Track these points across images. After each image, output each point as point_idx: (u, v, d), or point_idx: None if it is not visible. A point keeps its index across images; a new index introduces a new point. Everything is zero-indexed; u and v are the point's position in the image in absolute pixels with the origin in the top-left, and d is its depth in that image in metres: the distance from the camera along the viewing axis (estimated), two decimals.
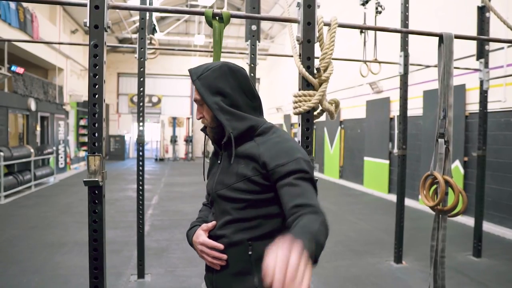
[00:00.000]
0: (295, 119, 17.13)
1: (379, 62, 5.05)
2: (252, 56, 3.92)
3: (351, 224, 6.52)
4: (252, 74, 3.92)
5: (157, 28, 4.60)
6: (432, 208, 2.46)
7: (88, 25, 1.90)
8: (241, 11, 18.07)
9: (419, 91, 8.14)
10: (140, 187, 3.91)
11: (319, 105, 2.16)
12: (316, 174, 14.34)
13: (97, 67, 1.93)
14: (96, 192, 1.93)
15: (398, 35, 4.91)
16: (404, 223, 4.49)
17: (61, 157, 13.11)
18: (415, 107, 8.37)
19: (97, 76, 1.94)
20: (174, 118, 21.40)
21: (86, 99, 16.41)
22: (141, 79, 3.74)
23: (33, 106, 10.68)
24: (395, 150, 9.17)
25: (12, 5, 9.47)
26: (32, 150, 9.62)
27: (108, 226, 6.19)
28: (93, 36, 1.92)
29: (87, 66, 14.72)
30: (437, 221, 2.50)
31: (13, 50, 10.26)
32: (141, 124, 3.81)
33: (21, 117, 10.74)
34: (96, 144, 1.93)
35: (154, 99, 21.53)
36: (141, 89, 3.78)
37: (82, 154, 16.17)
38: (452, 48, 2.39)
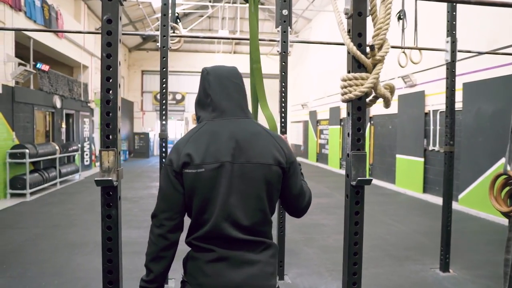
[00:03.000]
0: (321, 115, 16.75)
1: (421, 49, 4.58)
2: (284, 43, 3.59)
3: (386, 226, 6.09)
4: (284, 63, 3.58)
5: (179, 18, 4.32)
6: (505, 214, 2.05)
7: None
8: (267, 4, 17.74)
9: (458, 83, 7.58)
10: None
11: (373, 90, 1.80)
12: (343, 172, 13.81)
13: (111, 46, 1.64)
14: (111, 193, 1.64)
15: (440, 19, 4.46)
16: (451, 227, 4.06)
17: (86, 154, 13.12)
18: None
19: (111, 57, 1.65)
20: None
21: None
22: (164, 69, 3.46)
23: (58, 104, 10.67)
24: (432, 147, 8.63)
25: (38, 2, 9.44)
26: (57, 147, 9.58)
27: (131, 226, 6.00)
28: (106, 9, 1.63)
29: None
30: None
31: (38, 48, 10.25)
32: (163, 117, 3.54)
33: (47, 115, 10.75)
34: (111, 137, 1.64)
35: (178, 97, 21.46)
36: (164, 79, 3.51)
37: None
38: None
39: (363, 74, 1.74)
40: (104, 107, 1.62)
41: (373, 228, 5.94)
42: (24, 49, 9.53)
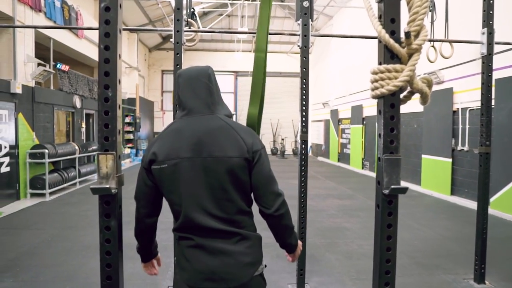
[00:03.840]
0: (343, 114, 16.37)
1: (452, 42, 4.24)
2: (305, 36, 3.35)
3: (413, 231, 5.77)
4: (305, 58, 3.35)
5: (196, 14, 4.13)
6: None
7: None
8: None
9: None
10: None
11: (408, 84, 1.56)
12: (367, 173, 13.54)
13: (109, 37, 1.46)
14: (109, 202, 1.46)
15: (472, 10, 4.13)
16: (487, 234, 3.74)
17: None
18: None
19: (109, 49, 1.46)
20: None
21: (130, 96, 16.56)
22: (178, 65, 3.28)
23: (78, 103, 10.70)
24: (460, 147, 8.21)
25: (58, 3, 9.47)
26: (77, 147, 9.60)
27: None
28: None
29: (131, 64, 14.80)
30: None
31: (58, 48, 10.31)
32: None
33: (67, 115, 10.80)
34: (109, 139, 1.45)
35: None
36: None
37: (127, 151, 16.28)
38: None
39: (397, 66, 1.50)
40: (102, 105, 1.44)
41: (399, 232, 5.57)
42: (45, 50, 9.58)
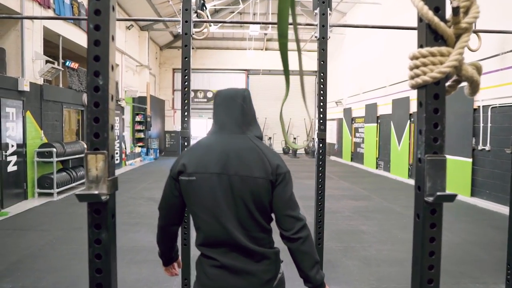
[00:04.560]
0: (357, 113, 16.03)
1: (479, 32, 3.90)
2: (323, 27, 3.10)
3: None
4: (323, 50, 3.10)
5: (206, 6, 3.89)
6: None
7: None
8: None
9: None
10: None
11: (455, 70, 1.30)
12: (382, 172, 13.19)
13: (100, 15, 1.23)
14: (100, 211, 1.23)
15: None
16: None
17: (116, 153, 13.06)
18: (507, 95, 7.08)
19: (100, 29, 1.23)
20: None
21: (141, 94, 16.47)
22: (186, 58, 3.05)
23: (87, 101, 10.58)
24: (482, 146, 7.85)
25: (67, 0, 9.36)
26: (85, 146, 9.46)
27: (154, 231, 5.64)
28: None
29: (142, 62, 14.67)
30: None
31: (68, 46, 10.20)
32: (185, 108, 3.13)
33: (76, 113, 10.70)
34: (100, 136, 1.22)
35: (209, 95, 21.23)
36: (186, 70, 3.10)
37: (138, 150, 16.18)
38: None
39: (443, 49, 1.23)
40: (91, 96, 1.20)
41: None
42: (55, 48, 9.47)
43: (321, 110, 3.13)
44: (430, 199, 1.27)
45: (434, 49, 1.25)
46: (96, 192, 1.18)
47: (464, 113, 8.37)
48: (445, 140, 1.29)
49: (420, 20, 1.28)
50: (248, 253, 1.50)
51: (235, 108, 1.58)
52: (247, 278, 1.48)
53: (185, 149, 1.64)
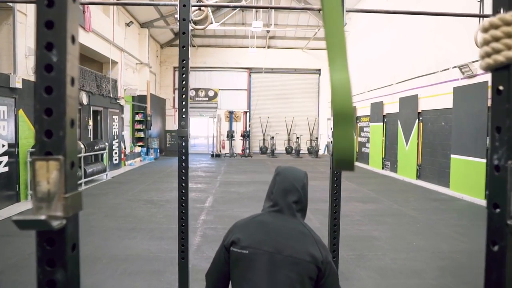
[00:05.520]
0: (362, 111, 15.70)
1: None
2: None
3: (451, 241, 5.10)
4: None
5: None
6: None
7: None
8: None
9: None
10: (183, 190, 2.85)
11: None
12: (388, 173, 12.82)
13: None
14: (54, 241, 0.87)
15: None
16: None
17: (115, 153, 12.72)
18: None
19: (54, 5, 0.87)
20: (230, 113, 20.64)
21: (141, 93, 16.09)
22: (184, 47, 2.69)
23: (85, 100, 10.24)
24: None
25: None
26: (82, 146, 9.12)
27: (153, 236, 5.31)
28: None
29: (142, 60, 14.27)
30: None
31: None
32: (183, 103, 2.77)
33: None
34: (53, 134, 0.85)
35: (211, 93, 20.86)
36: (183, 61, 2.74)
37: (138, 149, 15.84)
38: None
39: None
40: (41, 78, 0.83)
41: (435, 243, 4.98)
42: None
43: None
44: None
45: None
46: (43, 217, 0.80)
47: (478, 112, 8.02)
48: None
49: None
50: None
51: (293, 195, 1.62)
52: None
53: (240, 220, 1.68)
